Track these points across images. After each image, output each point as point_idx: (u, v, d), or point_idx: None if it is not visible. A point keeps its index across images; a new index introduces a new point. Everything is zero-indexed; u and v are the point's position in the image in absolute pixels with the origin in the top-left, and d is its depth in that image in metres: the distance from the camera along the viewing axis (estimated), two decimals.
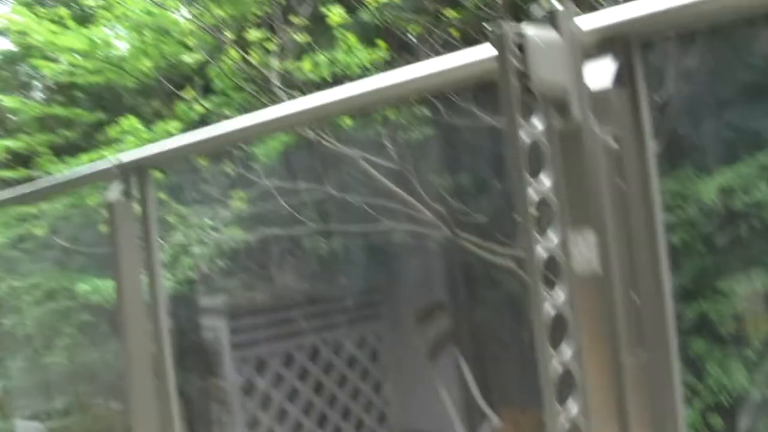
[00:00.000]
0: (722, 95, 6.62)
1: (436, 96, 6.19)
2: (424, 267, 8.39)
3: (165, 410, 2.41)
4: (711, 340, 5.99)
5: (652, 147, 1.21)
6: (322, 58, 6.42)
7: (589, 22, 1.18)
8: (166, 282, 6.87)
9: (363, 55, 6.57)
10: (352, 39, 6.35)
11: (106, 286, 7.36)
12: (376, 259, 8.61)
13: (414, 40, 6.25)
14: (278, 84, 6.52)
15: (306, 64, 6.42)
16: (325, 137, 6.13)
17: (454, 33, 6.15)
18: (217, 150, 5.24)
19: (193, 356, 8.15)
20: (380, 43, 6.43)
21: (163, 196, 6.96)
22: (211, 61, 7.29)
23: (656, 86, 6.08)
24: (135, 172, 2.37)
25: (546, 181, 1.08)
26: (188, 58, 7.51)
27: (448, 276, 8.46)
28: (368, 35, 7.03)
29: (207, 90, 7.88)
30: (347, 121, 6.71)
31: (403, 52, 6.62)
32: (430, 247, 7.23)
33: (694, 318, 6.05)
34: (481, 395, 7.45)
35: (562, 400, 1.07)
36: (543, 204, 1.07)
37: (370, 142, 6.59)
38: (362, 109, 4.81)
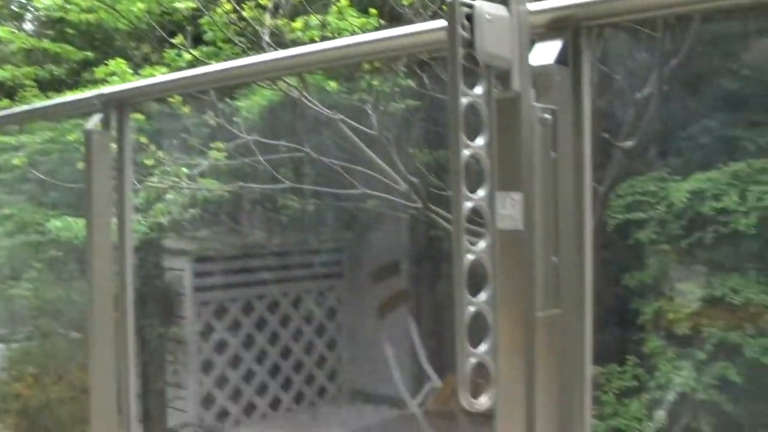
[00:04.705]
0: (704, 101, 6.72)
1: (422, 68, 6.26)
2: (392, 235, 8.54)
3: (122, 344, 2.50)
4: (666, 339, 6.12)
5: (588, 124, 1.31)
6: (314, 19, 6.46)
7: (541, 3, 1.29)
8: (139, 226, 6.94)
9: (354, 20, 6.62)
10: (344, 2, 6.39)
11: (78, 224, 7.41)
12: (346, 221, 8.79)
13: (406, 10, 6.29)
14: (268, 40, 6.56)
15: (297, 24, 6.46)
16: (308, 98, 6.19)
17: (445, 8, 6.16)
18: (197, 90, 5.29)
19: (156, 297, 8.25)
20: (372, 11, 6.48)
21: (143, 140, 6.99)
22: (204, 11, 7.31)
23: (639, 85, 6.18)
24: (116, 105, 2.44)
25: (481, 143, 1.17)
26: (180, 4, 7.52)
27: (413, 246, 8.63)
28: (362, 2, 7.08)
29: (198, 40, 7.91)
30: (332, 84, 6.77)
31: (395, 21, 6.67)
32: (401, 217, 7.33)
33: (653, 315, 6.19)
34: (430, 358, 7.62)
35: (474, 344, 1.17)
36: (476, 164, 1.17)
37: (353, 108, 6.66)
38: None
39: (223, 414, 8.93)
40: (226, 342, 8.97)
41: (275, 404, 9.30)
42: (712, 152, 6.34)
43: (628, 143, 6.13)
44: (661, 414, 5.95)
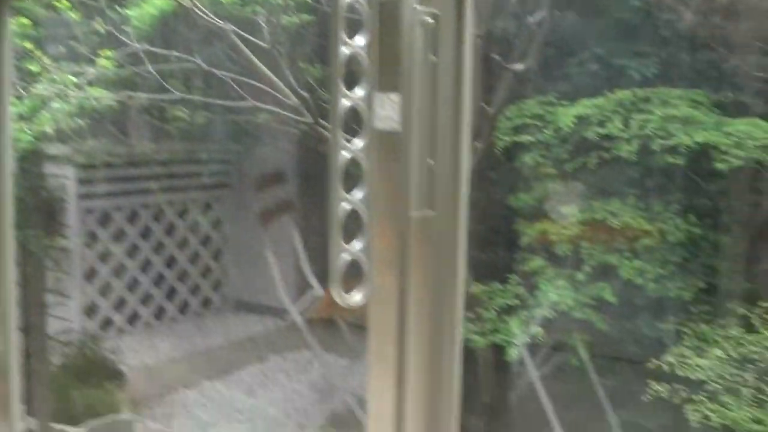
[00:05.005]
0: (595, 29, 6.83)
1: None
2: (282, 149, 8.55)
3: (0, 251, 2.45)
4: (547, 259, 6.29)
5: (470, 31, 1.34)
6: None
7: None
8: (24, 135, 6.74)
9: None
10: None
11: None
12: (235, 133, 8.78)
13: None
14: None
15: None
16: (200, 8, 6.08)
17: None
18: None
19: (39, 205, 8.09)
20: None
21: (29, 45, 6.76)
22: None
23: (531, 9, 6.25)
24: None
25: (361, 42, 1.19)
26: None
27: (302, 160, 8.68)
28: None
29: None
30: None
31: None
32: (290, 131, 7.33)
33: (536, 236, 6.34)
34: (315, 270, 7.74)
35: (348, 240, 1.20)
36: (355, 63, 1.18)
37: (246, 20, 6.57)
38: None
39: (107, 323, 8.90)
40: (110, 251, 8.92)
41: (160, 314, 9.34)
42: (599, 79, 6.47)
43: (519, 66, 6.21)
44: (538, 330, 6.15)
